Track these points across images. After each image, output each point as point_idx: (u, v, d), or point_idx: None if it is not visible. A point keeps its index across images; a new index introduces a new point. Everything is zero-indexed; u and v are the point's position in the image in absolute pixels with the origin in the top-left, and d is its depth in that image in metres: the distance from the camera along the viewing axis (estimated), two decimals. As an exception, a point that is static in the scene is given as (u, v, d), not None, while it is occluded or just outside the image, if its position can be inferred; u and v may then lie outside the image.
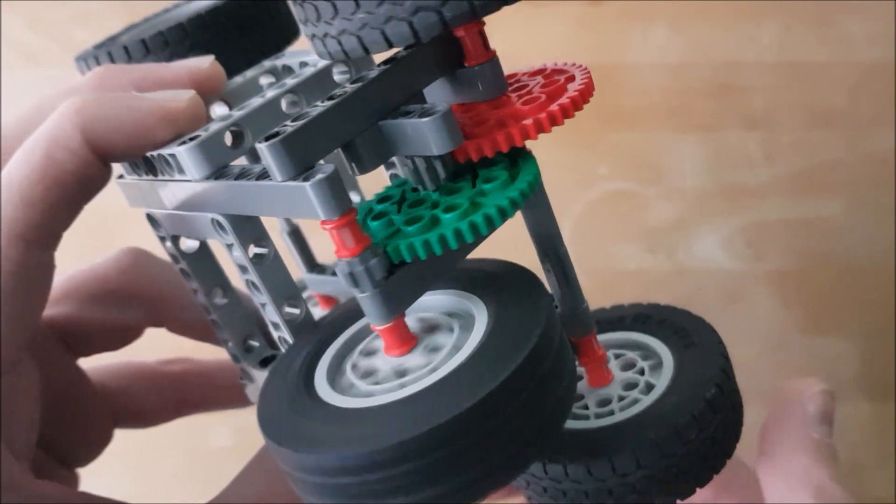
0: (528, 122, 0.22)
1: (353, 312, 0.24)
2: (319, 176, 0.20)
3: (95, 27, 0.48)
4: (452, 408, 0.19)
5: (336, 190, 0.20)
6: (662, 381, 0.26)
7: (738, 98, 0.48)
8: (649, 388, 0.27)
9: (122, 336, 0.31)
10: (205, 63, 0.25)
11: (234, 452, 0.48)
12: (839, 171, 0.48)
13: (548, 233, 0.25)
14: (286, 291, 0.24)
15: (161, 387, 0.33)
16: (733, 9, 0.48)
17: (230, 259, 0.24)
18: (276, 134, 0.20)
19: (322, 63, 0.25)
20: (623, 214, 0.48)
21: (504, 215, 0.21)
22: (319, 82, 0.25)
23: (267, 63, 0.28)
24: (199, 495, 0.48)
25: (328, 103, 0.21)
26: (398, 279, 0.21)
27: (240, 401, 0.30)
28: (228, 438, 0.48)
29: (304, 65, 0.27)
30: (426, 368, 0.21)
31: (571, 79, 0.24)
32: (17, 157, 0.22)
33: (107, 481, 0.48)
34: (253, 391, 0.29)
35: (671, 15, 0.48)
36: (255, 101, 0.23)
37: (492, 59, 0.24)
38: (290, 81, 0.24)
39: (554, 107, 0.22)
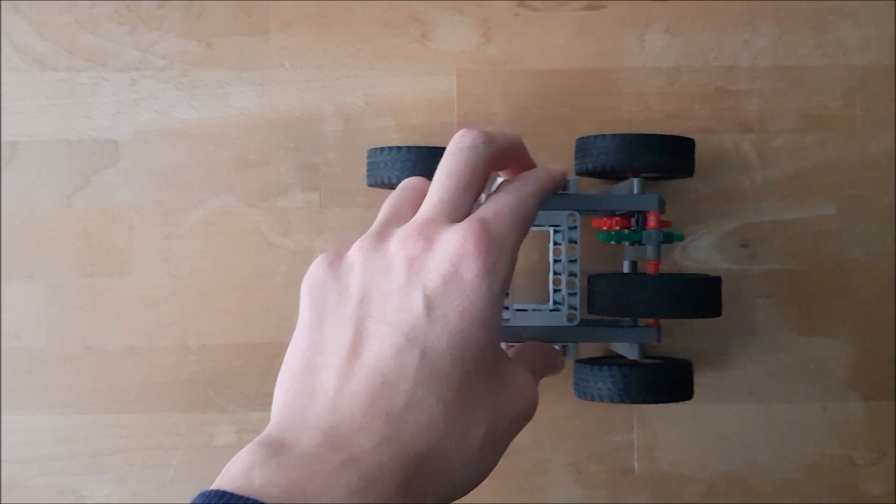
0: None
1: None
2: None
3: (101, 32, 0.48)
4: None
5: None
6: None
7: (734, 101, 0.48)
8: None
9: None
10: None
11: (238, 450, 0.48)
12: (833, 173, 0.48)
13: None
14: None
15: None
16: (729, 13, 0.49)
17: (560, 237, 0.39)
18: None
19: None
20: (620, 216, 0.48)
21: None
22: None
23: None
24: (202, 493, 0.48)
25: None
26: None
27: None
28: (233, 436, 0.48)
29: None
30: None
31: None
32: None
33: (111, 479, 0.48)
34: None
35: (668, 20, 0.49)
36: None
37: None
38: None
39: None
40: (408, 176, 0.43)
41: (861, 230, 0.48)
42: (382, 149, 0.44)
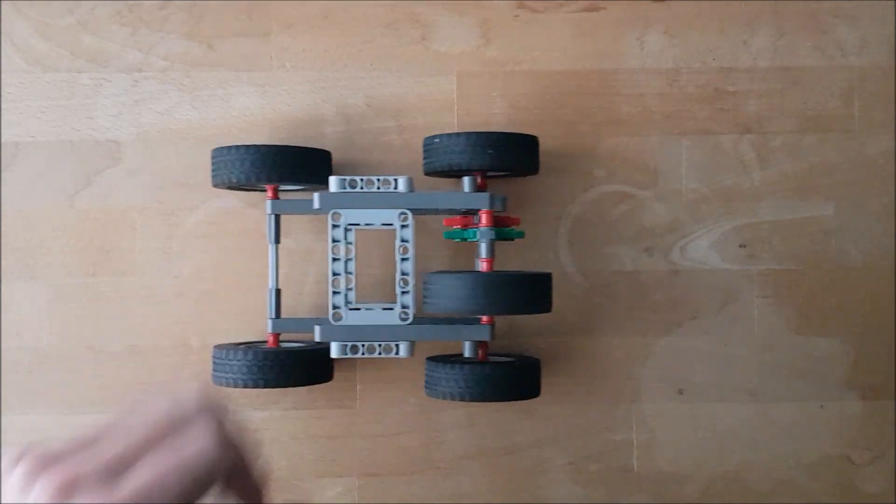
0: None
1: None
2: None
3: (103, 33, 0.49)
4: None
5: None
6: None
7: (733, 102, 0.49)
8: None
9: None
10: None
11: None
12: (831, 173, 0.49)
13: None
14: None
15: None
16: (727, 15, 0.49)
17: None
18: None
19: None
20: (619, 216, 0.48)
21: None
22: None
23: None
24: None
25: None
26: None
27: None
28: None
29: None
30: None
31: None
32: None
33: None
34: None
35: (666, 21, 0.49)
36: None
37: None
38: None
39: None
40: (248, 175, 0.43)
41: (859, 230, 0.49)
42: (223, 148, 0.44)
